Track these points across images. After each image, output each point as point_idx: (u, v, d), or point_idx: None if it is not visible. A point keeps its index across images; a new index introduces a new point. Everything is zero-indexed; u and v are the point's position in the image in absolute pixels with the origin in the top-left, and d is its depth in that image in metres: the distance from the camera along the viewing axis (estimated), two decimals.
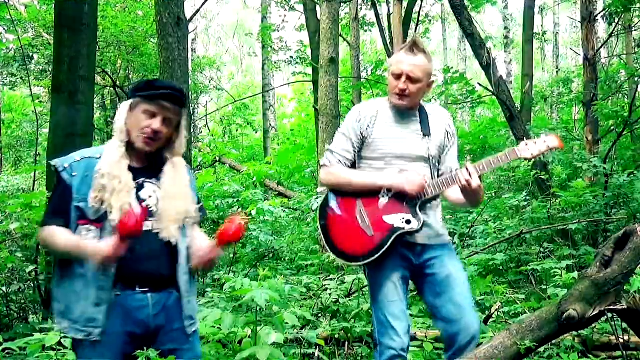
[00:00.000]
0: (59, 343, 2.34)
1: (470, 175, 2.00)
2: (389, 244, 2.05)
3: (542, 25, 18.29)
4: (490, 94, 6.54)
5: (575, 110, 11.77)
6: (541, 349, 2.70)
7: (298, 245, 6.84)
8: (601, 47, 8.25)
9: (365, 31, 13.82)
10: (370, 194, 2.09)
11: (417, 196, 2.06)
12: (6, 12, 6.65)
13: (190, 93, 6.45)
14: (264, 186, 8.39)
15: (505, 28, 16.10)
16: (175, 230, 1.77)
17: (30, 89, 6.98)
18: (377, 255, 2.06)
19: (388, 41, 10.96)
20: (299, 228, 7.14)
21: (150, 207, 1.76)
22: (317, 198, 5.48)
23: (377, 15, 11.61)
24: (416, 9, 11.48)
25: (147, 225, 1.73)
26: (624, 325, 2.71)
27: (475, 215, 6.17)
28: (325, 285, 4.08)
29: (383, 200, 2.08)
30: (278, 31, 13.92)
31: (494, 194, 7.13)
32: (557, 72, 17.71)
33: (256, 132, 17.57)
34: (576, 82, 11.18)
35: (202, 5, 7.68)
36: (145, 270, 1.73)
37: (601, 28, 13.58)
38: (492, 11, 22.00)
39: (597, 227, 5.52)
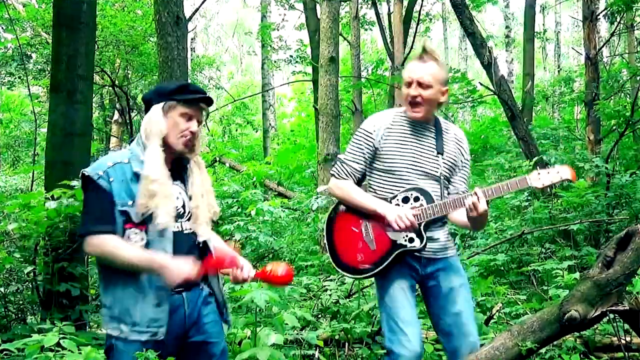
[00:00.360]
0: (58, 344, 2.31)
1: (478, 199, 2.00)
2: (388, 260, 2.07)
3: (543, 24, 18.29)
4: (492, 93, 6.51)
5: (577, 110, 11.75)
6: (542, 350, 2.69)
7: (298, 246, 6.82)
8: (603, 46, 8.23)
9: (366, 30, 13.80)
10: None
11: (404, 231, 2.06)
12: (4, 11, 6.62)
13: None
14: (264, 186, 8.36)
15: (507, 27, 16.10)
16: (208, 228, 1.85)
17: (29, 89, 6.95)
18: (376, 271, 2.09)
19: (388, 40, 10.94)
20: (298, 228, 7.12)
21: (179, 209, 1.81)
22: (317, 198, 5.45)
23: (377, 14, 11.59)
24: (417, 7, 11.45)
25: (177, 226, 1.79)
26: (626, 326, 2.71)
27: None
28: (325, 286, 4.08)
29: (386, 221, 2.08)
30: (278, 30, 13.90)
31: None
32: (558, 71, 17.71)
33: (256, 132, 17.54)
34: (578, 82, 11.16)
35: (201, 4, 7.66)
36: None
37: (603, 27, 13.59)
38: (493, 10, 21.96)
39: (599, 228, 5.50)
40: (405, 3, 10.63)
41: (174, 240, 1.75)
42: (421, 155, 2.13)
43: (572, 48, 17.00)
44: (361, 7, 11.71)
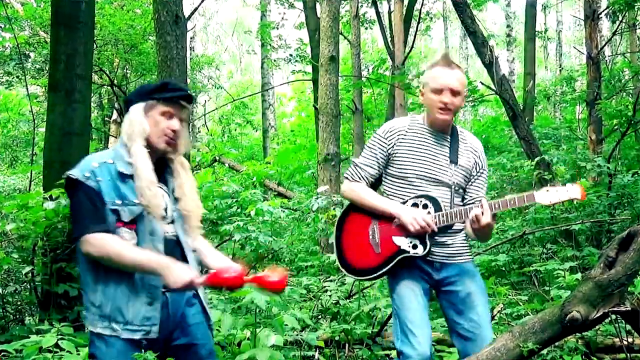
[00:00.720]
0: (56, 345, 2.31)
1: (482, 212, 2.02)
2: (391, 264, 2.10)
3: (544, 23, 18.27)
4: (493, 92, 6.49)
5: (578, 109, 11.75)
6: (544, 351, 2.67)
7: (298, 246, 6.80)
8: (605, 45, 8.22)
9: (366, 29, 13.77)
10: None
11: (419, 233, 2.08)
12: (2, 10, 6.59)
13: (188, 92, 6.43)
14: (264, 186, 8.33)
15: (508, 26, 16.07)
16: (198, 227, 1.84)
17: (27, 88, 6.91)
18: (379, 273, 2.13)
19: (389, 39, 10.92)
20: (298, 229, 7.09)
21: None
22: (317, 199, 5.42)
23: (377, 12, 11.58)
24: (417, 6, 11.42)
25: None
26: (628, 327, 2.70)
27: None
28: (325, 287, 4.07)
29: (397, 222, 2.11)
30: (277, 29, 13.88)
31: (496, 194, 7.09)
32: (560, 70, 17.69)
33: (255, 131, 17.51)
34: (580, 81, 11.12)
35: (200, 3, 7.64)
36: None
37: (605, 26, 13.54)
38: (494, 9, 21.94)
39: (601, 228, 5.48)
40: (406, 2, 10.62)
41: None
42: (433, 164, 2.14)
43: (574, 47, 16.99)
44: (361, 5, 11.68)
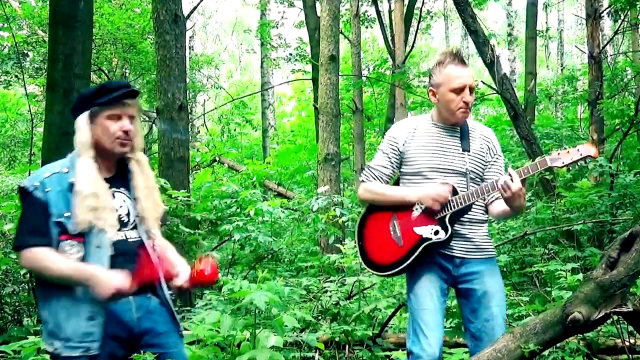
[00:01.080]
0: None
1: (511, 178, 2.00)
2: (416, 253, 2.09)
3: (546, 22, 18.23)
4: (494, 92, 6.46)
5: (580, 109, 11.73)
6: (545, 352, 2.68)
7: (298, 247, 6.78)
8: (607, 45, 8.20)
9: (367, 28, 13.73)
10: (405, 207, 2.16)
11: (441, 208, 2.08)
12: (0, 9, 6.55)
13: (188, 91, 6.40)
14: (264, 187, 8.30)
15: (509, 25, 16.03)
16: (157, 228, 1.80)
17: (25, 87, 6.89)
18: (404, 265, 2.11)
19: (389, 38, 10.88)
20: (298, 229, 7.06)
21: (122, 217, 1.76)
22: (317, 199, 5.39)
23: (378, 11, 11.54)
24: (418, 4, 11.39)
25: (121, 236, 1.74)
26: (630, 328, 2.69)
27: None
28: (325, 288, 4.07)
29: (416, 213, 2.13)
30: (277, 28, 13.83)
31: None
32: (561, 69, 17.68)
33: (255, 131, 17.47)
34: (581, 80, 11.10)
35: (200, 2, 7.61)
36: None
37: (607, 25, 13.52)
38: (495, 8, 21.90)
39: (603, 228, 5.46)
40: (406, 0, 10.58)
41: (119, 250, 1.71)
42: (446, 155, 2.15)
43: (576, 46, 16.96)
44: (362, 4, 11.65)
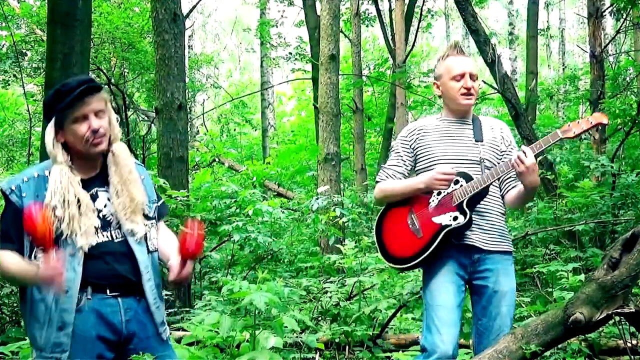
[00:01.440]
0: None
1: (524, 152, 1.99)
2: (437, 241, 2.09)
3: (547, 21, 18.21)
4: (495, 91, 6.43)
5: (581, 108, 11.69)
6: (547, 353, 2.69)
7: (297, 247, 6.75)
8: (608, 44, 8.17)
9: (367, 27, 13.70)
10: (420, 200, 2.17)
11: (458, 195, 2.09)
12: None
13: (187, 91, 6.37)
14: (264, 187, 8.27)
15: (510, 24, 16.00)
16: (139, 219, 1.74)
17: (23, 87, 6.86)
18: (426, 255, 2.10)
19: (390, 37, 10.85)
20: (298, 229, 7.04)
21: (107, 217, 1.73)
22: (317, 199, 5.37)
23: (378, 10, 11.51)
24: (418, 3, 11.35)
25: (107, 236, 1.71)
26: (632, 329, 2.69)
27: None
28: (325, 288, 4.05)
29: (433, 204, 2.14)
30: (277, 27, 13.79)
31: None
32: (563, 69, 17.67)
33: (255, 131, 17.43)
34: (583, 80, 11.07)
35: (199, 1, 7.57)
36: (114, 274, 1.70)
37: (608, 24, 13.51)
38: (496, 7, 21.87)
39: (605, 229, 5.45)
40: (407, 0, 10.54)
41: (105, 251, 1.68)
42: (459, 147, 2.17)
43: (577, 45, 16.93)
44: (362, 3, 11.62)
